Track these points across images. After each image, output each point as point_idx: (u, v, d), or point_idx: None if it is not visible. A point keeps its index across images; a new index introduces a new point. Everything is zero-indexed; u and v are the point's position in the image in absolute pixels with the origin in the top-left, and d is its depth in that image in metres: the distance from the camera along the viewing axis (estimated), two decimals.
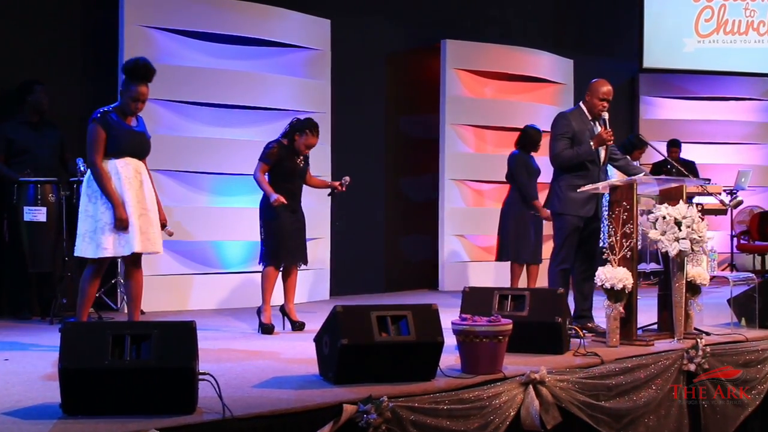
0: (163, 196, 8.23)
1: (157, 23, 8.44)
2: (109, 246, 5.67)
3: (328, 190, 7.19)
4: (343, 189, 7.10)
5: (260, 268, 7.04)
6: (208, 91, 8.65)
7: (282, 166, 6.92)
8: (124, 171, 5.74)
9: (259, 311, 6.97)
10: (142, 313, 7.70)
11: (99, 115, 5.77)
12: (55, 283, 7.45)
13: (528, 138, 8.90)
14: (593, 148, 6.68)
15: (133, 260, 5.87)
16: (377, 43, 10.33)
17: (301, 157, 7.01)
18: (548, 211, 8.54)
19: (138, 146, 5.86)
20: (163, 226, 6.07)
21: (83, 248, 5.74)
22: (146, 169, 5.94)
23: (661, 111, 13.32)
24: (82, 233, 5.75)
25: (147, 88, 5.83)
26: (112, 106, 5.88)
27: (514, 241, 8.75)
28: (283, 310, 7.06)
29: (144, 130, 5.96)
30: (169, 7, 8.54)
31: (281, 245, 6.92)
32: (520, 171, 8.76)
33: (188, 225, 8.42)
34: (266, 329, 6.85)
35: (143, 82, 5.79)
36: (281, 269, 7.03)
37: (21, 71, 7.85)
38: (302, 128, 6.93)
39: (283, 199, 6.80)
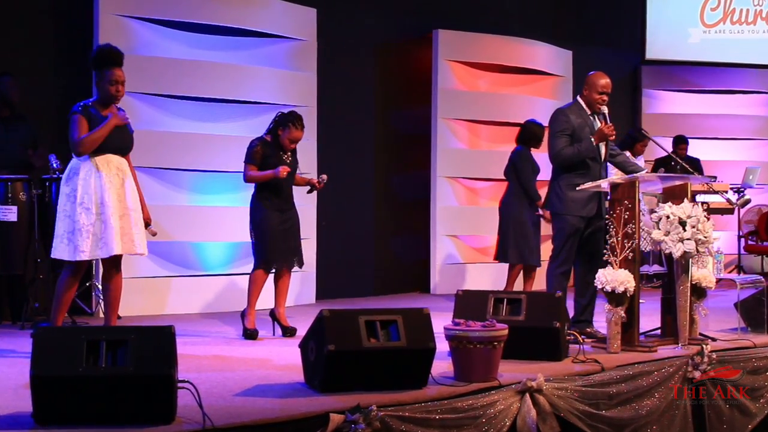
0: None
1: (134, 12, 8.42)
2: (87, 249, 5.64)
3: (308, 187, 7.18)
4: (321, 186, 7.11)
5: (243, 270, 7.03)
6: (187, 83, 8.64)
7: (267, 164, 6.90)
8: (104, 169, 5.72)
9: (242, 315, 6.97)
10: (119, 317, 7.71)
11: (80, 107, 5.77)
12: (27, 286, 7.44)
13: (530, 133, 8.90)
14: (594, 144, 6.71)
15: (114, 262, 5.84)
16: (366, 33, 10.33)
17: (288, 154, 7.01)
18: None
19: (119, 142, 5.81)
20: (147, 224, 6.05)
21: (60, 250, 5.71)
22: (130, 165, 5.92)
23: (665, 105, 13.35)
24: (60, 234, 5.71)
25: (122, 71, 5.81)
26: (90, 100, 5.87)
27: (516, 243, 8.70)
28: (273, 315, 7.04)
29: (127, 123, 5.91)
30: None
31: (270, 247, 6.89)
32: (525, 168, 8.75)
33: (168, 224, 8.40)
34: (250, 334, 6.85)
35: (116, 65, 5.78)
36: (272, 272, 7.02)
37: None
38: (285, 122, 6.92)
39: (287, 168, 6.79)
